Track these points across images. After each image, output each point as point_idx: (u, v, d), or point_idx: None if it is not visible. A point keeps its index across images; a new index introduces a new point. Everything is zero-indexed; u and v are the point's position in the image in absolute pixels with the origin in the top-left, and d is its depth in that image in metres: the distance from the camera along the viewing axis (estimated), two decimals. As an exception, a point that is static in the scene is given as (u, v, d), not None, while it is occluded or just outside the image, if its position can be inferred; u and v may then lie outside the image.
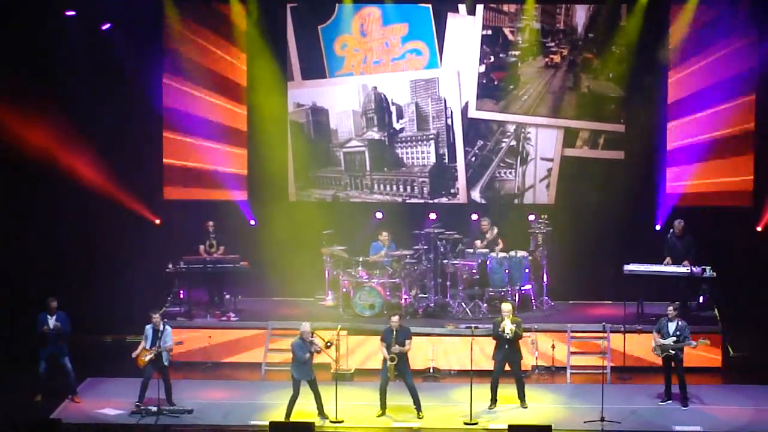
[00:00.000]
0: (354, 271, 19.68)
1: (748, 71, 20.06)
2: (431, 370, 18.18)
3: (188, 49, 20.80)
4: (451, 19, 20.80)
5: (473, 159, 21.08)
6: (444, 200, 21.20)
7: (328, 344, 16.16)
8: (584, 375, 18.04)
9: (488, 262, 19.59)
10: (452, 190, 21.21)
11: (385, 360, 16.23)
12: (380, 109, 21.15)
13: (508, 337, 16.33)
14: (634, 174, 20.56)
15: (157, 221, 21.09)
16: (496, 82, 20.93)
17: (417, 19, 20.84)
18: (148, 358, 16.46)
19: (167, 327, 16.70)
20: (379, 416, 16.22)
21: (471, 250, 19.81)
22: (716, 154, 20.36)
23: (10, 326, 19.16)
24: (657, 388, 17.01)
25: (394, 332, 16.24)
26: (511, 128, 21.02)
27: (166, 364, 16.53)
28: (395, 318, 16.44)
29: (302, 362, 15.88)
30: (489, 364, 16.98)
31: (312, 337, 15.99)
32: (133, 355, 16.58)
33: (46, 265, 20.24)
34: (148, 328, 16.59)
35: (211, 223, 20.03)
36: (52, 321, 16.90)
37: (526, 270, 19.71)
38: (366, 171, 21.26)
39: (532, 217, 20.11)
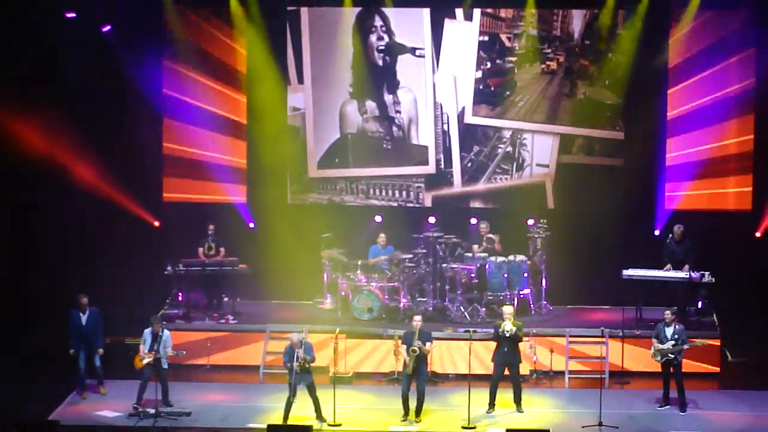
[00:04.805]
0: (353, 274, 19.65)
1: (746, 90, 20.08)
2: (430, 374, 18.12)
3: (189, 37, 20.79)
4: (449, 24, 20.82)
5: (469, 165, 21.10)
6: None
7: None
8: (582, 380, 18.04)
9: (487, 266, 19.56)
10: (448, 195, 21.29)
11: (405, 364, 16.16)
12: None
13: (507, 335, 16.33)
14: (632, 180, 20.54)
15: (156, 223, 21.05)
16: (492, 88, 20.96)
17: (414, 23, 20.86)
18: (146, 361, 16.45)
19: (166, 331, 16.70)
20: (402, 420, 16.11)
21: (470, 254, 19.79)
22: (715, 172, 20.40)
23: (10, 327, 19.12)
24: (655, 393, 17.04)
25: (416, 334, 16.15)
26: (507, 134, 21.04)
27: (165, 367, 16.55)
28: (418, 318, 16.39)
29: (287, 368, 15.91)
30: (486, 369, 17.00)
31: (301, 346, 15.94)
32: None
33: (45, 267, 20.15)
34: (147, 332, 16.60)
35: (212, 226, 19.94)
36: (84, 318, 17.04)
37: (525, 274, 19.69)
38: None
39: (531, 222, 20.13)
